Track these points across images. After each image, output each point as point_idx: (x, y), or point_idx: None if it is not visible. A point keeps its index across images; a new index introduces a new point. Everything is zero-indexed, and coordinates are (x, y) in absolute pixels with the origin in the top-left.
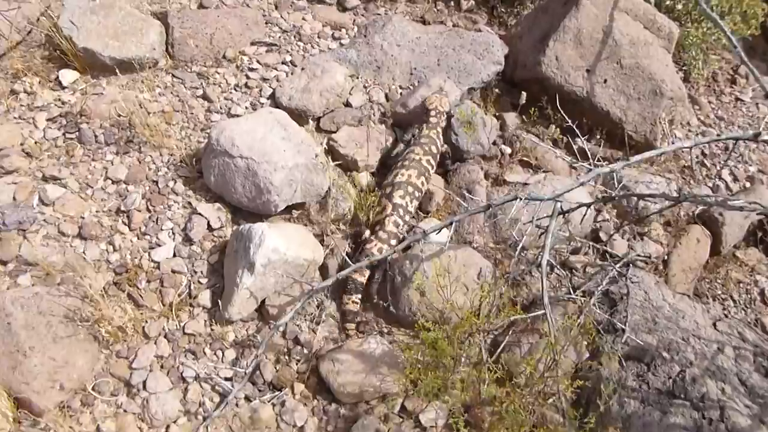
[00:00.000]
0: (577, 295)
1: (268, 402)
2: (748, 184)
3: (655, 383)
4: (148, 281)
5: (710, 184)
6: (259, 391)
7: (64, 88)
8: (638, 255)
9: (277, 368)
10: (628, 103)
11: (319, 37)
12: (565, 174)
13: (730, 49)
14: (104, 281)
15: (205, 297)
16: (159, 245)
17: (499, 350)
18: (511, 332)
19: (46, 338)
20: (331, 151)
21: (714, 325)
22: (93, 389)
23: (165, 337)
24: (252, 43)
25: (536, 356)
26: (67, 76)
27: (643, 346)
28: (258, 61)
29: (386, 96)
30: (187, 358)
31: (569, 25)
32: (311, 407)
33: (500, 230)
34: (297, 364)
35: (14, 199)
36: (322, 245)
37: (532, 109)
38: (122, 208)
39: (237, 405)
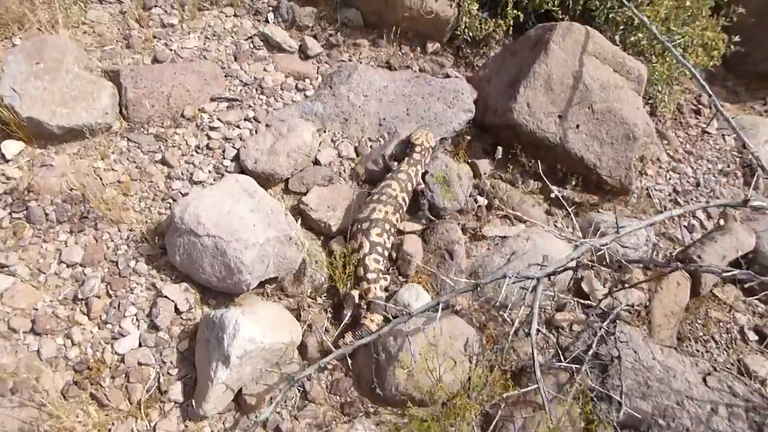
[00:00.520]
0: (567, 362)
1: None
2: (722, 221)
3: None
4: (113, 377)
5: (685, 223)
6: None
7: (7, 161)
8: (623, 308)
9: None
10: (602, 148)
11: (282, 89)
12: (543, 221)
13: (693, 79)
14: (63, 381)
15: (176, 390)
16: (123, 335)
17: (491, 427)
18: (503, 406)
19: None
20: (302, 215)
21: (704, 380)
22: None
23: None
24: (212, 99)
25: None
26: (11, 147)
27: (639, 416)
28: (219, 119)
29: (356, 149)
30: None
31: (539, 70)
32: None
33: (481, 288)
34: None
35: None
36: (299, 320)
37: (506, 155)
38: (80, 296)
39: None
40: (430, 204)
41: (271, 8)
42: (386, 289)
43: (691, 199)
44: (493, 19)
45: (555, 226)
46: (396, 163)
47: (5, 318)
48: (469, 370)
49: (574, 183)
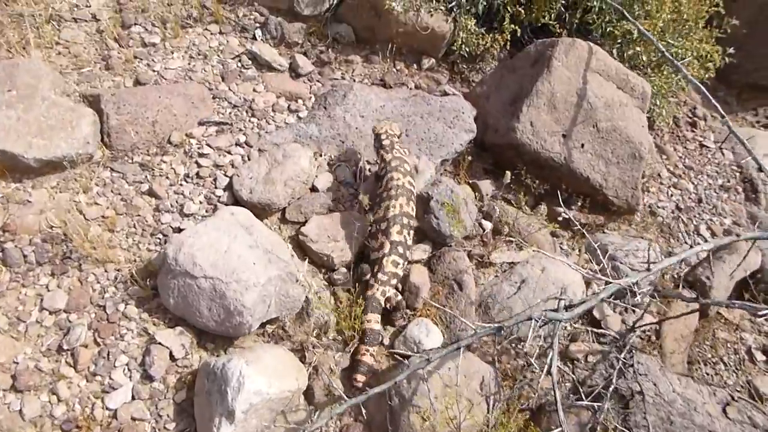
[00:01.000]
0: (588, 400)
1: None
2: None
3: None
4: None
5: (690, 242)
6: None
7: None
8: (637, 335)
9: None
10: (608, 167)
11: (274, 111)
12: (549, 245)
13: (688, 90)
14: None
15: None
16: (114, 388)
17: None
18: None
19: None
20: (302, 248)
21: (724, 411)
22: None
23: None
24: (200, 124)
25: None
26: None
27: None
28: (209, 145)
29: (354, 174)
30: None
31: (542, 88)
32: None
33: (492, 318)
34: None
35: None
36: (304, 362)
37: (509, 175)
38: (65, 346)
39: None
40: (435, 232)
41: (258, 25)
42: (389, 299)
43: (694, 216)
44: (490, 34)
45: (561, 248)
46: (379, 160)
47: None
48: (487, 412)
49: (580, 204)
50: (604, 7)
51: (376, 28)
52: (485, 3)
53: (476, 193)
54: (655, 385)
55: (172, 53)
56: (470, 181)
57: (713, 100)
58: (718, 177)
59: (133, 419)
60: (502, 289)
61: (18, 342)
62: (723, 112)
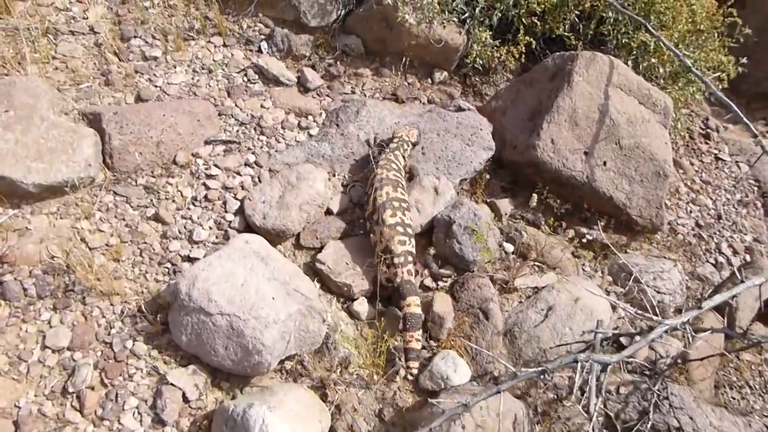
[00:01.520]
0: None
1: None
2: (747, 257)
3: None
4: None
5: (712, 260)
6: None
7: None
8: (668, 362)
9: None
10: (631, 186)
11: (283, 128)
12: (573, 267)
13: (699, 101)
14: None
15: None
16: None
17: None
18: None
19: None
20: (319, 275)
21: None
22: None
23: None
24: (206, 142)
25: None
26: None
27: None
28: (216, 165)
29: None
30: None
31: (563, 104)
32: None
33: (519, 348)
34: None
35: None
36: (325, 401)
37: (527, 191)
38: (70, 388)
39: None
40: (458, 258)
41: (263, 37)
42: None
43: (715, 233)
44: (504, 46)
45: (583, 269)
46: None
47: None
48: None
49: (603, 224)
50: (619, 18)
51: (387, 40)
52: (500, 14)
53: (494, 213)
54: (691, 419)
55: (175, 67)
56: (488, 200)
57: (745, 118)
58: (736, 192)
59: None
60: (528, 317)
61: (20, 384)
62: (755, 131)
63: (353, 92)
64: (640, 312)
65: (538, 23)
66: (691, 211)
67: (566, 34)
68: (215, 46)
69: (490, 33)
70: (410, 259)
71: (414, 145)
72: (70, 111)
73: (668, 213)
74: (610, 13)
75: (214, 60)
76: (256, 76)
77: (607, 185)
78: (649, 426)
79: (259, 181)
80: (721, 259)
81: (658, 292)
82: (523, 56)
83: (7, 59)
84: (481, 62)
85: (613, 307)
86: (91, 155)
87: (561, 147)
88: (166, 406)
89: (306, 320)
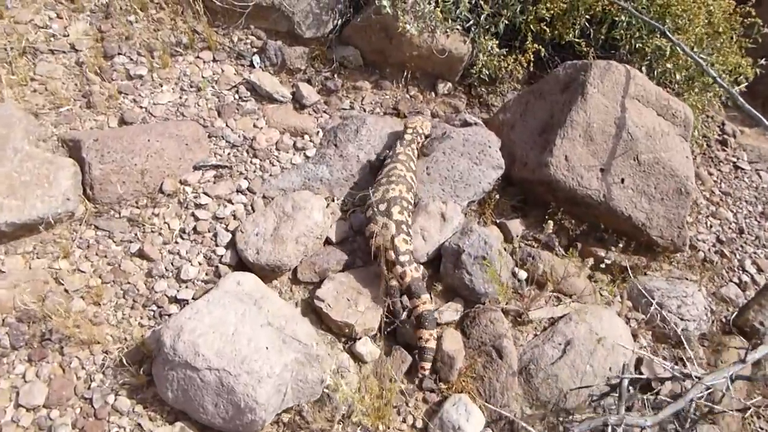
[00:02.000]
0: None
1: None
2: None
3: None
4: None
5: (736, 279)
6: None
7: None
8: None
9: None
10: (651, 204)
11: (278, 150)
12: (590, 293)
13: (717, 106)
14: None
15: None
16: None
17: None
18: None
19: None
20: (317, 312)
21: None
22: None
23: None
24: (195, 168)
25: None
26: None
27: None
28: (206, 193)
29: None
30: None
31: (577, 118)
32: None
33: (536, 388)
34: None
35: None
36: None
37: (539, 211)
38: None
39: None
40: (468, 290)
41: (255, 50)
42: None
43: (737, 249)
44: (511, 55)
45: (601, 294)
46: (389, 151)
47: None
48: None
49: (622, 246)
50: (633, 21)
51: (387, 51)
52: (506, 21)
53: (504, 235)
54: None
55: (161, 86)
56: (497, 221)
57: (759, 116)
58: (758, 203)
59: None
60: (545, 353)
61: None
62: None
63: (352, 107)
64: (677, 368)
65: (547, 29)
66: (711, 226)
67: (576, 40)
68: (204, 62)
69: (496, 41)
70: (413, 258)
71: (427, 137)
72: (49, 137)
73: (688, 228)
74: (623, 17)
75: (203, 77)
76: (248, 93)
77: (626, 204)
78: None
79: (253, 210)
80: (745, 277)
81: (681, 319)
82: (531, 64)
83: None
84: (487, 72)
85: (634, 336)
86: (69, 188)
87: (575, 164)
88: None
89: (304, 369)
